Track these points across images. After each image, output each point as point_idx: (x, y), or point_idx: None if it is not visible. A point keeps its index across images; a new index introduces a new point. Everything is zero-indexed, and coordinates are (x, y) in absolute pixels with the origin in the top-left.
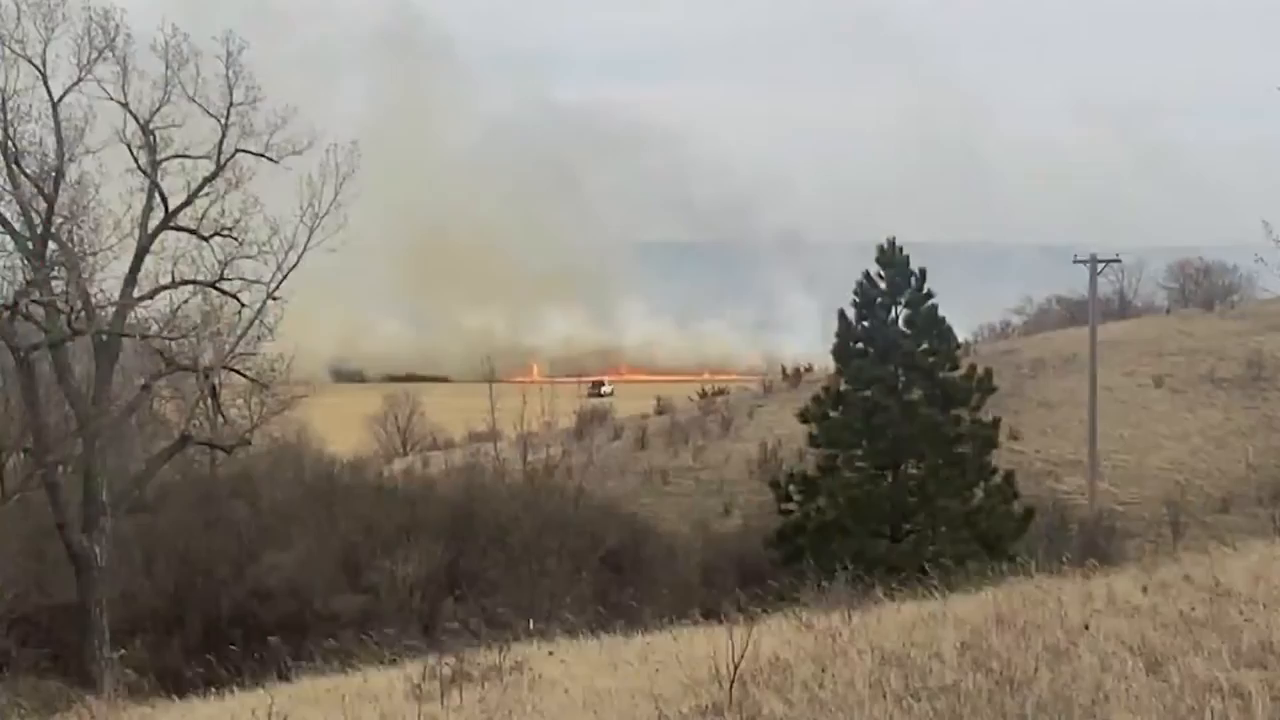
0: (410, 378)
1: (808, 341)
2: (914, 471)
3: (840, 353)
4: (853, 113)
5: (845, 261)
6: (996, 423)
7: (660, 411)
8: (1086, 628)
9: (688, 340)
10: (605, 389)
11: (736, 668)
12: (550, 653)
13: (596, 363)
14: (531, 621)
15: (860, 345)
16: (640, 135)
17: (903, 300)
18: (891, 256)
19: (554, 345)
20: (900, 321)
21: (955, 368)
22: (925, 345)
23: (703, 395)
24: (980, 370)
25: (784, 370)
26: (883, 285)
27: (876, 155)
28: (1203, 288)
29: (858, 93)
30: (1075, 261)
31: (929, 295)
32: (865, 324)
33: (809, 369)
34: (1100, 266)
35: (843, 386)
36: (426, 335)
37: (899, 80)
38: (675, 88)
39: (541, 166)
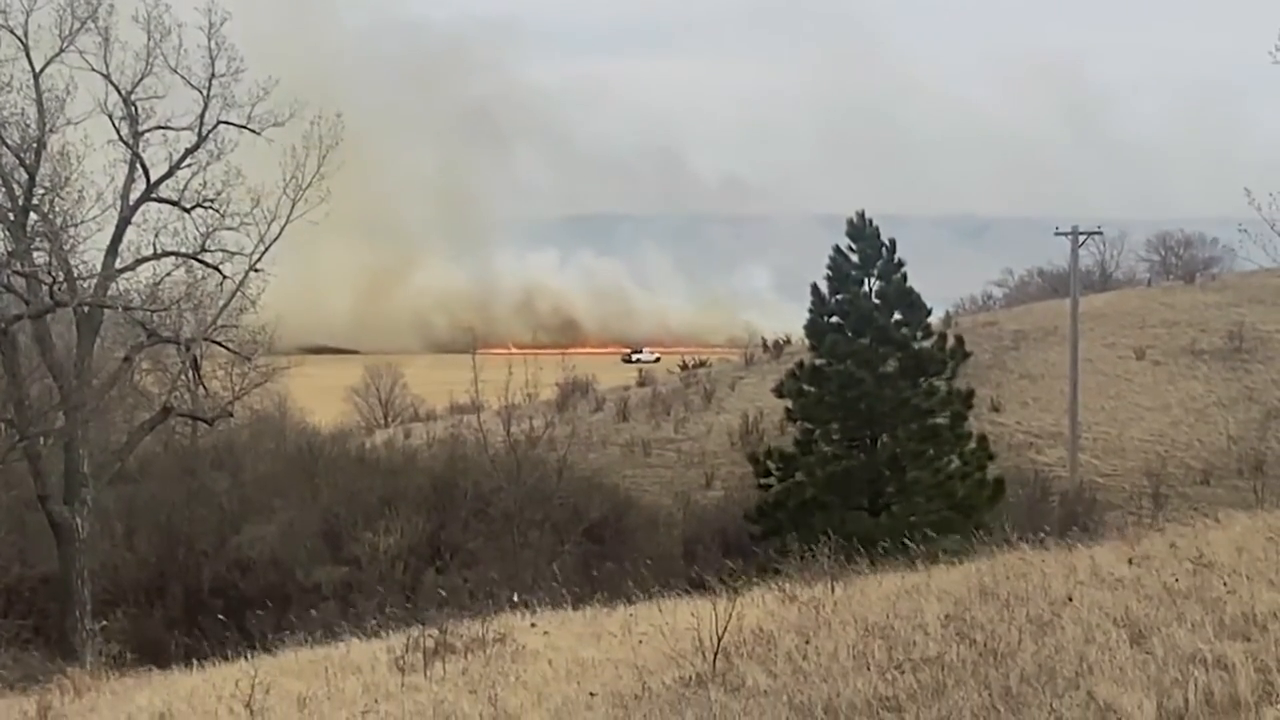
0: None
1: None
2: (888, 442)
3: (813, 327)
4: (776, 85)
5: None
6: (970, 394)
7: (642, 383)
8: (1070, 599)
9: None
10: (644, 355)
11: (720, 639)
12: (533, 624)
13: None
14: (514, 593)
15: (834, 319)
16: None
17: (874, 272)
18: (862, 229)
19: (430, 294)
20: (872, 294)
21: (928, 336)
22: (897, 316)
23: (684, 367)
24: (952, 340)
25: (764, 342)
26: (854, 258)
27: (804, 126)
28: (1183, 260)
29: (783, 67)
30: (1057, 234)
31: (900, 265)
32: (838, 298)
33: (787, 341)
34: (1082, 239)
35: (817, 361)
36: (300, 292)
37: (831, 55)
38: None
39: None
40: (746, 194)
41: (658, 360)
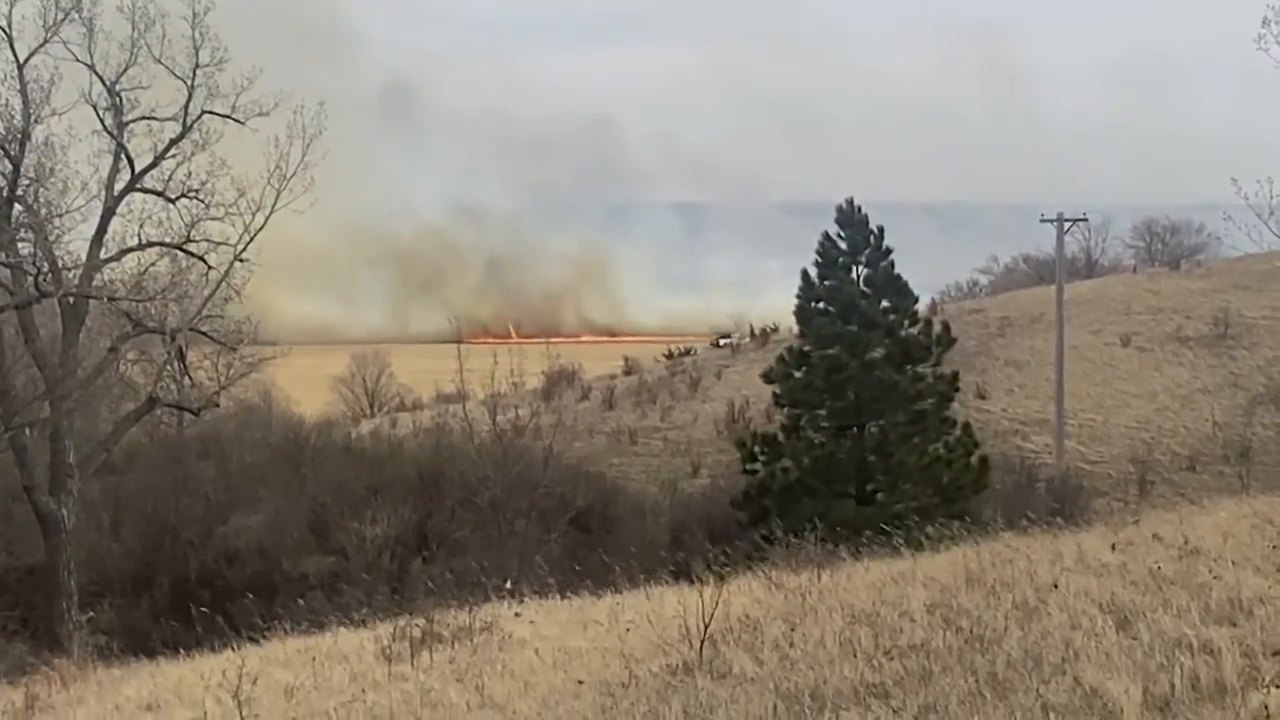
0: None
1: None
2: (875, 429)
3: (802, 313)
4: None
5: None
6: (955, 376)
7: (628, 372)
8: (1056, 586)
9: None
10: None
11: (707, 627)
12: (519, 613)
13: None
14: (501, 582)
15: (822, 305)
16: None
17: (863, 259)
18: (850, 216)
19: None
20: (860, 280)
21: (915, 323)
22: (885, 303)
23: (669, 355)
24: (938, 327)
25: (751, 330)
26: (843, 245)
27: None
28: (1169, 246)
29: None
30: (1042, 220)
31: (888, 252)
32: (827, 284)
33: (774, 329)
34: (1067, 225)
35: (805, 347)
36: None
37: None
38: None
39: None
40: (676, 177)
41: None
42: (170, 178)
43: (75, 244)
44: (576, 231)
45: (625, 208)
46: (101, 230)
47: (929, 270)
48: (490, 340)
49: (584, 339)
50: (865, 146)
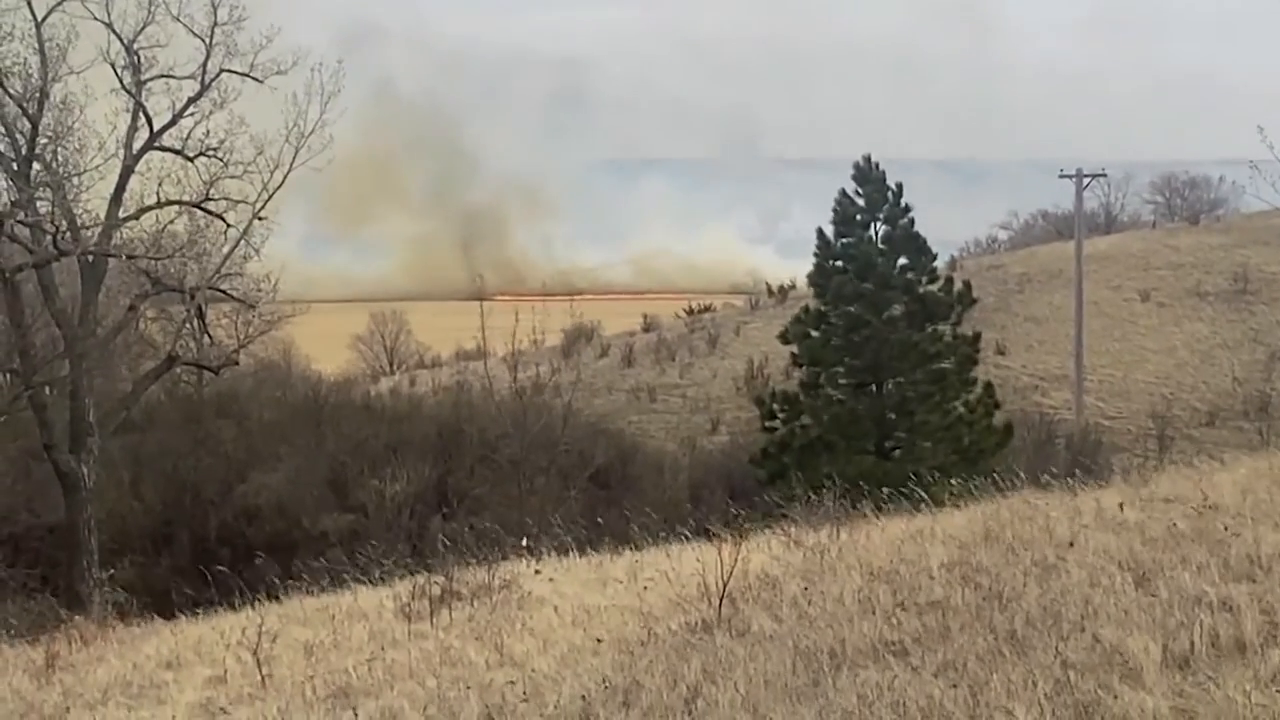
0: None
1: None
2: (895, 387)
3: (819, 272)
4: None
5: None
6: (977, 337)
7: (647, 329)
8: (1074, 543)
9: None
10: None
11: (725, 585)
12: (538, 571)
13: None
14: (520, 539)
15: (840, 264)
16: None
17: (881, 216)
18: (868, 173)
19: None
20: (878, 238)
21: (934, 281)
22: (904, 260)
23: (689, 312)
24: (959, 284)
25: (769, 287)
26: (860, 203)
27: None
28: (1188, 201)
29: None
30: (1061, 176)
31: (906, 209)
32: (844, 242)
33: (792, 286)
34: (1086, 181)
35: (822, 306)
36: None
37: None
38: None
39: None
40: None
41: None
42: (189, 136)
43: (94, 203)
44: (542, 186)
45: (591, 159)
46: (120, 189)
47: (944, 226)
48: (508, 298)
49: (607, 296)
50: (858, 102)
